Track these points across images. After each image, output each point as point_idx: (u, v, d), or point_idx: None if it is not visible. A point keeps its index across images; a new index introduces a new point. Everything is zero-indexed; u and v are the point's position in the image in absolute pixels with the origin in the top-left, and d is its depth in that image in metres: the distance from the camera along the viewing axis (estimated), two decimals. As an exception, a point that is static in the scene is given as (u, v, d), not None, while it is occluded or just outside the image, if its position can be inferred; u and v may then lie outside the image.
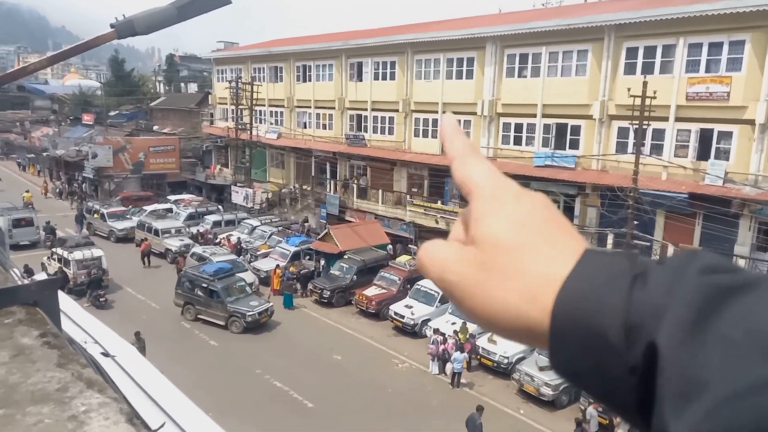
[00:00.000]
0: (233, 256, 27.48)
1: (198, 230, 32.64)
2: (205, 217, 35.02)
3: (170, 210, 36.27)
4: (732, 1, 19.85)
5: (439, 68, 29.40)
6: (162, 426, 1.44)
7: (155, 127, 55.43)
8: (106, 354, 1.87)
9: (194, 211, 35.87)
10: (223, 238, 31.65)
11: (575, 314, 0.47)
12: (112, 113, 60.87)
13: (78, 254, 25.37)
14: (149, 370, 2.00)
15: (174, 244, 30.57)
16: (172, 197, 40.06)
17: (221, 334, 21.93)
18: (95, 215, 35.54)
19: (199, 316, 22.77)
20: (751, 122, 19.93)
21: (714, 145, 21.14)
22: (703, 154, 21.37)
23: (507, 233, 0.53)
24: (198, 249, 28.38)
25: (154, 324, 22.14)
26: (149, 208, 35.98)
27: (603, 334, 0.45)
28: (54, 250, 27.02)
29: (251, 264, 27.81)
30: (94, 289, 24.13)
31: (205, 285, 22.57)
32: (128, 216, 35.34)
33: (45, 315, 1.38)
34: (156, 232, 31.48)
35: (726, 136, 20.90)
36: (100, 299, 23.75)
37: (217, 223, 34.13)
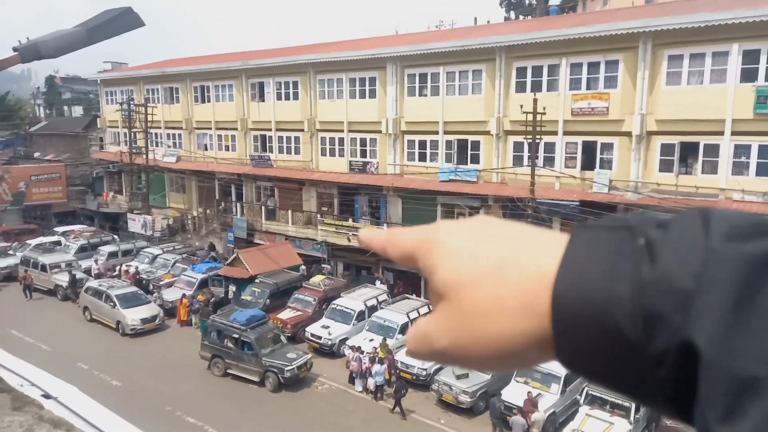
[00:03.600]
0: (134, 288, 25.81)
1: (96, 265, 30.25)
2: (100, 248, 32.65)
3: (58, 243, 33.49)
4: (605, 25, 21.94)
5: (342, 88, 29.72)
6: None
7: (36, 154, 51.09)
8: (47, 396, 1.72)
9: (86, 242, 33.32)
10: (121, 269, 29.64)
11: (577, 308, 0.41)
12: (-16, 140, 55.26)
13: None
14: (96, 409, 1.85)
15: (64, 279, 28.20)
16: (60, 228, 37.01)
17: (123, 373, 20.40)
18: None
19: (229, 371, 19.96)
20: (629, 134, 21.99)
21: (598, 156, 23.05)
22: (589, 164, 23.22)
23: (463, 268, 0.48)
24: (93, 283, 26.35)
25: (47, 367, 20.14)
26: (34, 241, 32.95)
27: (615, 328, 0.39)
28: None
29: (154, 295, 26.25)
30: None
31: (236, 336, 19.71)
32: (10, 252, 32.18)
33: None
34: (43, 268, 28.88)
35: (608, 147, 22.87)
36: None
37: (113, 254, 31.92)
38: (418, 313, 21.88)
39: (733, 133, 19.83)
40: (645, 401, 0.41)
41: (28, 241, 33.22)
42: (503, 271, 0.46)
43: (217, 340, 20.35)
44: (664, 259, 0.39)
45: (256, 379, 19.39)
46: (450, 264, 0.49)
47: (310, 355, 20.18)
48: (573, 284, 0.41)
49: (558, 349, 0.43)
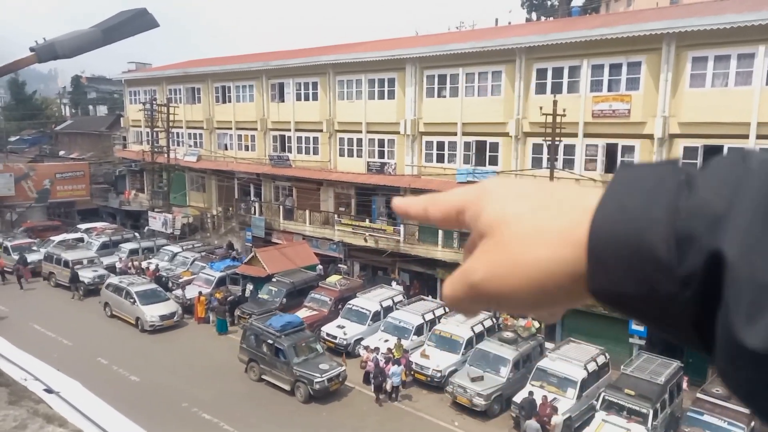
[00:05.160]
0: (153, 285, 26.18)
1: (124, 262, 30.88)
2: (121, 245, 33.20)
3: (81, 239, 34.13)
4: (628, 26, 21.63)
5: (361, 89, 29.78)
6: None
7: (61, 152, 52.20)
8: (49, 390, 1.74)
9: (108, 239, 33.93)
10: (133, 264, 30.26)
11: (614, 232, 0.42)
12: (12, 138, 56.68)
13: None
14: (98, 405, 1.87)
15: (87, 275, 28.72)
16: (83, 226, 37.71)
17: (142, 368, 20.69)
18: (-4, 249, 32.73)
19: (264, 377, 19.64)
20: (650, 137, 21.64)
21: (619, 159, 22.72)
22: (610, 167, 22.89)
23: (510, 206, 0.50)
24: (114, 279, 26.78)
25: (67, 362, 20.51)
26: (57, 238, 33.63)
27: (648, 249, 0.41)
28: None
29: (176, 292, 26.59)
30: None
31: (270, 341, 19.34)
32: (35, 248, 32.89)
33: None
34: (66, 264, 29.43)
35: (629, 149, 22.54)
36: None
37: (134, 252, 32.43)
38: (434, 314, 21.81)
39: (759, 137, 19.39)
40: (669, 328, 0.43)
41: (52, 238, 33.93)
42: (547, 207, 0.48)
43: (254, 344, 20.04)
44: (701, 188, 0.41)
45: (287, 387, 18.94)
46: (497, 204, 0.51)
47: (343, 368, 19.38)
48: (612, 210, 0.43)
49: (590, 273, 0.44)
